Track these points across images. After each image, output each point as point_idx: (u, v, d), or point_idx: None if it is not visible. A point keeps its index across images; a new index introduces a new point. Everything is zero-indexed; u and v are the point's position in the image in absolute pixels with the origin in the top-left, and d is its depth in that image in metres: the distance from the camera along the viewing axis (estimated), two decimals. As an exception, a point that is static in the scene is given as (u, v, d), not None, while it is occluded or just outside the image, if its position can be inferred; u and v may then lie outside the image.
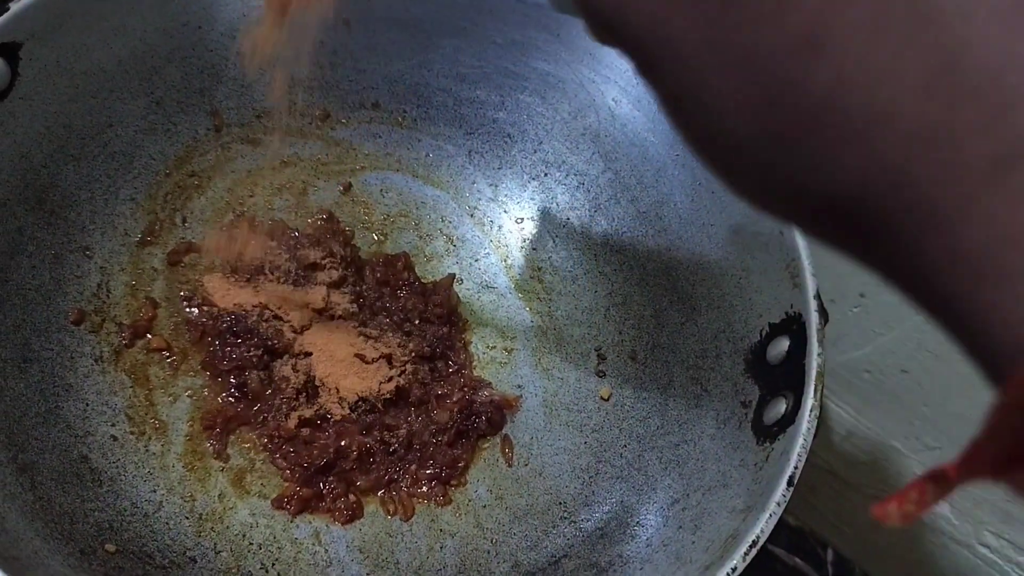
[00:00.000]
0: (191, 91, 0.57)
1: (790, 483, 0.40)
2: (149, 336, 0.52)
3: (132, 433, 0.48)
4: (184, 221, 0.56)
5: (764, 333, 0.49)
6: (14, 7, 0.45)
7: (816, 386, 0.44)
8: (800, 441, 0.42)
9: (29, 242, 0.48)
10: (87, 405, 0.47)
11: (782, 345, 0.48)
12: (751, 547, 0.38)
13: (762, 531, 0.39)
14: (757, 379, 0.48)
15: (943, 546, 0.76)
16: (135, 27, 0.52)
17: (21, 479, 0.40)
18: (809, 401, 0.43)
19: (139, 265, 0.54)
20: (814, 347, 0.45)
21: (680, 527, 0.45)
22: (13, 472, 0.40)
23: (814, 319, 0.46)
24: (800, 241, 0.49)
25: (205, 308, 0.53)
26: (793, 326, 0.47)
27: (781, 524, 0.87)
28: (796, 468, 0.41)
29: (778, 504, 0.40)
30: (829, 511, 0.83)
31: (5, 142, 0.46)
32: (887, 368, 0.67)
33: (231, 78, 0.58)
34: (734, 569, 0.38)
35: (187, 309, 0.53)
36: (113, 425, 0.48)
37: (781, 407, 0.45)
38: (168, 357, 0.52)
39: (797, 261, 0.48)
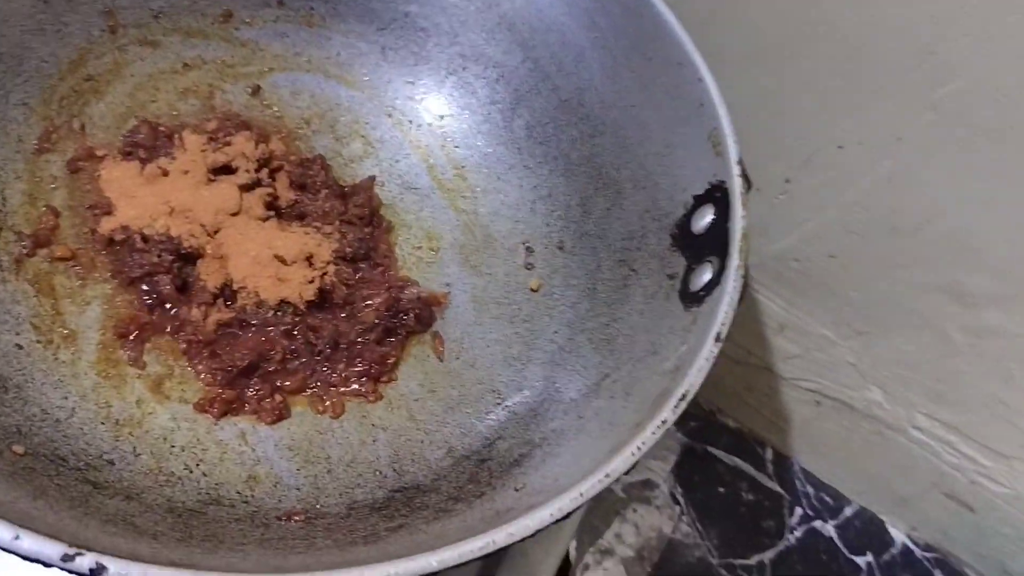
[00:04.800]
0: (80, -11, 0.53)
1: (717, 339, 0.40)
2: (52, 245, 0.49)
3: (39, 342, 0.46)
4: (83, 127, 0.53)
5: (688, 206, 0.49)
6: None
7: (741, 247, 0.43)
8: (727, 299, 0.41)
9: (-91, 146, 0.45)
10: (-14, 314, 0.45)
11: (706, 214, 0.47)
12: (680, 400, 0.38)
13: (691, 385, 0.39)
14: (683, 251, 0.48)
15: (878, 433, 0.77)
16: (11, -85, 0.49)
17: (-87, 383, 0.38)
18: (734, 261, 0.43)
19: (37, 173, 0.51)
20: (737, 210, 0.45)
21: (612, 397, 0.44)
22: (-96, 376, 0.38)
23: (737, 184, 0.46)
24: (720, 110, 0.48)
25: (109, 216, 0.50)
26: (716, 194, 0.47)
27: (721, 427, 0.89)
28: (723, 324, 0.41)
29: (706, 359, 0.40)
30: (766, 409, 0.84)
31: None
32: (814, 255, 0.68)
33: (123, -25, 0.55)
34: (664, 422, 0.37)
35: (92, 217, 0.50)
36: (17, 334, 0.45)
37: (707, 273, 0.45)
38: (74, 266, 0.49)
39: (718, 129, 0.48)
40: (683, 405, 0.38)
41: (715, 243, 0.45)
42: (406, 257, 0.57)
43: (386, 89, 0.61)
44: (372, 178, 0.58)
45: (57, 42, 0.53)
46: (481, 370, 0.52)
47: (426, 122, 0.61)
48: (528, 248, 0.57)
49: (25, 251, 0.48)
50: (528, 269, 0.56)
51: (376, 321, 0.52)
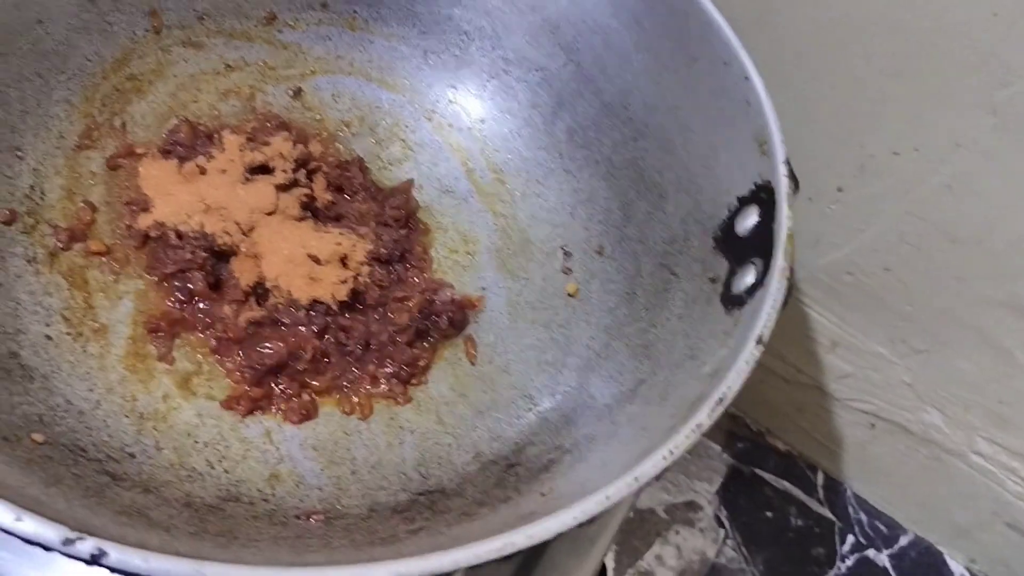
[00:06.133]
0: (126, -12, 0.54)
1: (759, 341, 0.38)
2: (88, 240, 0.49)
3: (68, 334, 0.45)
4: (124, 125, 0.53)
5: (733, 208, 0.47)
6: None
7: (786, 247, 0.41)
8: (770, 301, 0.39)
9: (-48, 138, 0.46)
10: (18, 304, 0.45)
11: (751, 216, 0.45)
12: (717, 404, 0.36)
13: (729, 388, 0.36)
14: (726, 254, 0.46)
15: (936, 458, 0.73)
16: (60, -86, 0.49)
17: (-61, 367, 0.38)
18: (779, 262, 0.41)
19: (76, 169, 0.51)
20: (783, 210, 0.43)
21: (647, 402, 0.42)
22: (-70, 360, 0.38)
23: (783, 184, 0.44)
24: (767, 108, 0.46)
25: (146, 212, 0.50)
26: (762, 194, 0.45)
27: (769, 449, 0.86)
28: (766, 327, 0.38)
29: (746, 363, 0.37)
30: (817, 431, 0.81)
31: (-81, 29, 0.44)
32: (869, 267, 0.65)
33: (169, -24, 0.55)
34: (698, 426, 0.35)
35: (129, 213, 0.50)
36: (48, 325, 0.45)
37: (750, 276, 0.43)
38: (109, 261, 0.49)
39: (765, 129, 0.46)
40: (720, 409, 0.36)
41: (759, 245, 0.43)
42: (442, 260, 0.56)
43: (427, 92, 0.60)
44: (410, 181, 0.58)
45: (102, 41, 0.53)
46: (514, 375, 0.51)
47: (466, 126, 0.60)
48: (566, 252, 0.55)
49: (60, 245, 0.48)
50: (566, 274, 0.55)
51: (409, 323, 0.51)
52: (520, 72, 0.59)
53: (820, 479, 0.83)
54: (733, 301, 0.43)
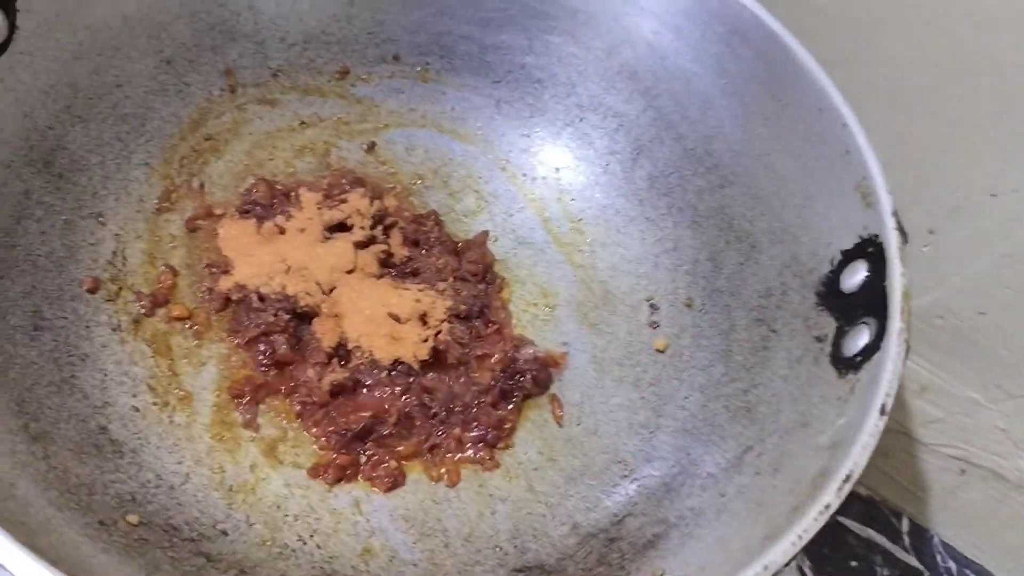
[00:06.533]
0: (202, 49, 0.53)
1: (882, 412, 0.36)
2: (170, 305, 0.49)
3: (155, 404, 0.45)
4: (202, 186, 0.53)
5: (836, 261, 0.45)
6: (8, -46, 0.42)
7: (903, 308, 0.39)
8: (890, 367, 0.37)
9: (37, 206, 0.45)
10: (105, 375, 0.44)
11: (858, 271, 0.43)
12: (845, 482, 0.34)
13: (856, 464, 0.34)
14: (832, 311, 0.44)
15: (1031, 506, 0.70)
16: (139, -21, 0.49)
17: (33, 448, 0.37)
18: (896, 323, 0.39)
19: (156, 232, 0.50)
20: (896, 267, 0.41)
21: (757, 473, 0.40)
22: (25, 441, 0.37)
23: (893, 237, 0.41)
24: (870, 158, 0.44)
25: (227, 274, 0.50)
26: (869, 249, 0.43)
27: (852, 495, 0.82)
28: (888, 396, 0.36)
29: (871, 435, 0.35)
30: (903, 477, 0.77)
31: (6, 99, 0.44)
32: (962, 311, 0.62)
33: (244, 35, 0.55)
34: (827, 507, 0.33)
35: (210, 276, 0.50)
36: (134, 396, 0.44)
37: (863, 337, 0.41)
38: (191, 326, 0.48)
39: (868, 179, 0.44)
40: (848, 487, 0.34)
41: (870, 303, 0.41)
42: (520, 315, 0.54)
43: (500, 142, 0.59)
44: (485, 233, 0.56)
45: (179, 102, 0.53)
46: (605, 438, 0.49)
47: (541, 175, 0.59)
48: (652, 305, 0.54)
49: (143, 311, 0.48)
50: (653, 328, 0.53)
51: (492, 382, 0.50)
52: (596, 119, 0.58)
53: (906, 526, 0.79)
54: (845, 364, 0.41)
